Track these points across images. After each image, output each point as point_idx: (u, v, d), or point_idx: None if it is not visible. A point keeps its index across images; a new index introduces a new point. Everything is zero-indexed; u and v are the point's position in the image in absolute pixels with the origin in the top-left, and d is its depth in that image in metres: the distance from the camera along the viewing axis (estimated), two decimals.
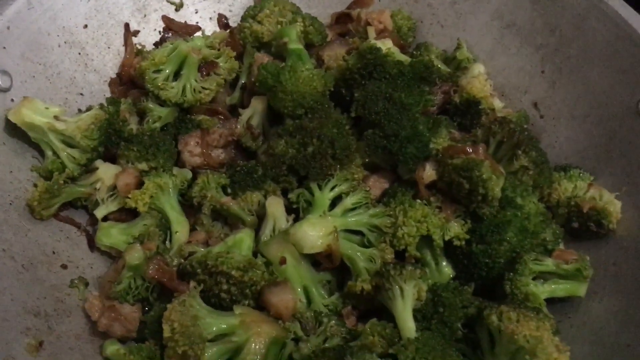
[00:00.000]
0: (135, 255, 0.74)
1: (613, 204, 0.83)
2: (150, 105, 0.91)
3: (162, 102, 0.91)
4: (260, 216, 0.85)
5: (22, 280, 0.74)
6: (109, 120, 0.85)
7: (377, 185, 0.87)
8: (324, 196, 0.82)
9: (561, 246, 0.84)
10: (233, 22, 1.06)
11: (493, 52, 1.02)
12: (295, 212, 0.84)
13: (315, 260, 0.80)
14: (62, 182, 0.81)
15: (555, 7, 0.94)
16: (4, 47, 0.82)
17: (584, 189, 0.86)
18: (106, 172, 0.84)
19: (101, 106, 0.87)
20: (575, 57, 0.93)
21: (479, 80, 0.93)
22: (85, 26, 0.93)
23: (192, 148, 0.88)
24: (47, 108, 0.81)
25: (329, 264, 0.79)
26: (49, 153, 0.83)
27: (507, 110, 0.97)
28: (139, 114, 0.92)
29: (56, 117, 0.81)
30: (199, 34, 1.05)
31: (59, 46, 0.90)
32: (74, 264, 0.82)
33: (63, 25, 0.90)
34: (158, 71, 0.89)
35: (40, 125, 0.80)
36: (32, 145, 0.84)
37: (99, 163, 0.85)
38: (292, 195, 0.84)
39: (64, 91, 0.90)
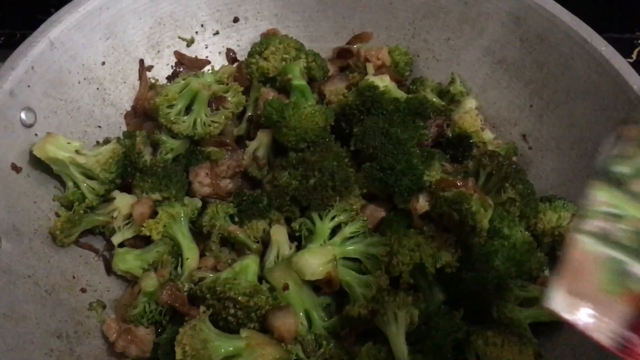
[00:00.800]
0: (150, 283, 0.80)
1: None
2: (163, 137, 0.97)
3: (174, 135, 0.97)
4: (265, 243, 0.91)
5: (45, 304, 0.80)
6: (126, 153, 0.91)
7: (374, 214, 0.93)
8: (325, 225, 0.88)
9: (546, 273, 0.89)
10: (240, 55, 1.13)
11: (485, 86, 1.08)
12: (298, 240, 0.91)
13: (316, 285, 0.87)
14: (82, 211, 0.87)
15: (543, 46, 0.99)
16: (29, 86, 0.88)
17: (567, 219, 0.91)
18: (122, 201, 0.90)
19: (118, 140, 0.94)
20: (562, 93, 0.98)
21: (470, 115, 0.99)
22: (103, 63, 0.99)
23: (202, 179, 0.94)
24: (68, 143, 0.87)
25: (329, 289, 0.85)
26: (70, 184, 0.89)
27: (497, 142, 1.04)
28: (152, 146, 0.99)
29: (77, 151, 0.87)
30: (208, 67, 1.11)
31: (79, 82, 0.96)
32: (92, 287, 0.88)
33: (83, 63, 0.96)
34: (171, 106, 0.95)
35: (63, 159, 0.86)
36: (54, 176, 0.90)
37: (116, 193, 0.91)
38: (294, 224, 0.90)
39: (83, 124, 0.97)
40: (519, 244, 0.86)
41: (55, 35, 0.92)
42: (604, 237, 0.55)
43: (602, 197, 0.58)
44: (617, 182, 0.58)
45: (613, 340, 0.51)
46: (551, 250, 0.92)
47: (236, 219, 0.91)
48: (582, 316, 0.52)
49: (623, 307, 0.52)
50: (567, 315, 0.52)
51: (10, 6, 1.51)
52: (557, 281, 0.53)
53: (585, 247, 0.54)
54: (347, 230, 0.88)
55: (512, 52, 1.03)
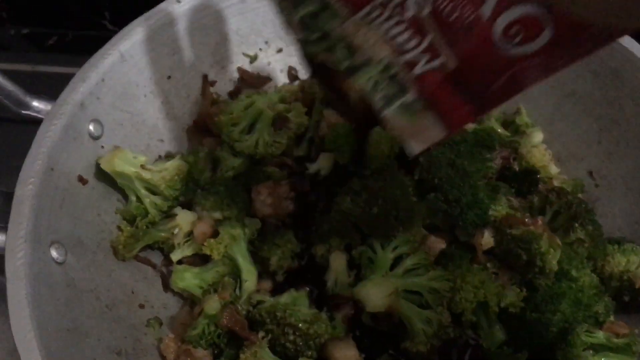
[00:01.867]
0: (213, 306, 0.80)
1: None
2: (225, 154, 0.97)
3: (235, 153, 0.97)
4: (324, 268, 0.90)
5: (106, 320, 0.80)
6: (190, 170, 0.91)
7: (435, 245, 0.91)
8: (386, 256, 0.86)
9: (612, 318, 0.87)
10: (302, 74, 1.12)
11: (552, 118, 1.05)
12: (357, 268, 0.89)
13: (374, 316, 0.85)
14: (144, 226, 0.87)
15: (616, 81, 0.97)
16: (98, 98, 0.89)
17: (636, 263, 0.89)
18: (184, 219, 0.90)
19: (182, 156, 0.94)
20: (633, 131, 0.96)
21: (539, 150, 0.97)
22: (169, 77, 0.99)
23: (264, 198, 0.93)
24: (135, 157, 0.88)
25: (387, 322, 0.84)
26: (133, 198, 0.89)
27: (562, 177, 1.01)
28: (212, 162, 0.98)
29: (142, 166, 0.88)
30: (270, 84, 1.10)
31: (145, 96, 0.96)
32: (150, 303, 0.88)
33: (150, 76, 0.96)
34: (235, 124, 0.95)
35: (129, 174, 0.86)
36: (117, 189, 0.90)
37: (177, 210, 0.91)
38: (355, 252, 0.89)
39: (147, 137, 0.97)
40: (587, 287, 0.83)
41: (126, 48, 0.92)
42: None
43: None
44: None
45: None
46: (618, 294, 0.89)
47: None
48: None
49: None
50: None
51: (63, 5, 1.53)
52: None
53: None
54: (409, 262, 0.86)
55: (583, 86, 1.01)
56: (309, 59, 0.73)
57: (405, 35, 0.62)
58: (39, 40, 1.53)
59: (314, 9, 0.67)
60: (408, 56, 0.63)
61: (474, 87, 0.62)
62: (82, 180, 0.85)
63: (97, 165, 0.87)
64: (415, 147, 0.69)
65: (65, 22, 1.56)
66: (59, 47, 1.53)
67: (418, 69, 0.63)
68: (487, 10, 0.56)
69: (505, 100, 0.62)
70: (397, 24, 0.62)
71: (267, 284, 0.89)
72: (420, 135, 0.68)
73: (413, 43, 0.62)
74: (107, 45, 0.91)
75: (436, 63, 0.62)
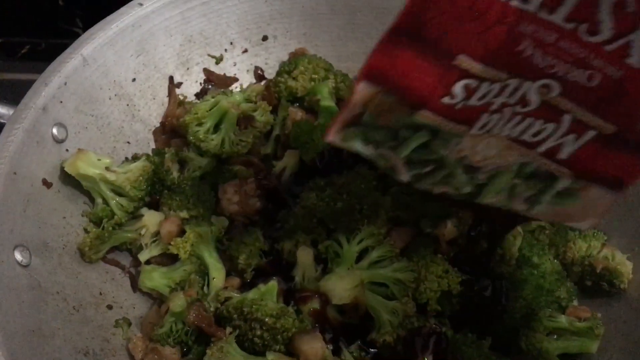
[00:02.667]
0: (178, 303, 0.80)
1: (625, 265, 0.88)
2: (191, 155, 0.98)
3: (202, 153, 0.97)
4: (291, 264, 0.91)
5: (73, 321, 0.80)
6: (155, 170, 0.92)
7: (400, 238, 0.92)
8: (352, 249, 0.87)
9: (575, 303, 0.88)
10: (268, 74, 1.13)
11: None
12: (324, 262, 0.90)
13: (340, 309, 0.86)
14: (111, 228, 0.88)
15: None
16: (61, 102, 0.89)
17: (597, 248, 0.90)
18: (151, 219, 0.90)
19: (147, 157, 0.94)
20: None
21: None
22: (134, 80, 1.00)
23: (230, 196, 0.94)
24: (99, 159, 0.88)
25: (354, 314, 0.85)
26: (99, 200, 0.89)
27: None
28: (179, 163, 0.99)
29: (107, 168, 0.88)
30: (236, 84, 1.11)
31: (110, 99, 0.97)
32: (118, 304, 0.88)
33: (114, 79, 0.97)
34: (200, 124, 0.96)
35: (93, 176, 0.86)
36: (83, 192, 0.90)
37: (144, 210, 0.91)
38: (321, 247, 0.90)
39: (113, 140, 0.97)
40: (548, 273, 0.85)
41: (89, 52, 0.93)
42: None
43: None
44: None
45: None
46: (580, 279, 0.90)
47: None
48: None
49: None
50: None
51: (35, 16, 1.53)
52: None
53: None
54: (374, 255, 0.87)
55: None
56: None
57: (537, 126, 0.55)
58: (11, 50, 1.53)
59: (422, 141, 0.58)
60: (546, 145, 0.57)
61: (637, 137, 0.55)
62: (46, 183, 0.85)
63: (62, 169, 0.87)
64: (590, 224, 0.62)
65: (37, 31, 1.56)
66: (31, 56, 1.52)
67: (565, 152, 0.57)
68: (635, 59, 0.50)
69: None
70: (522, 119, 0.56)
71: (235, 281, 0.90)
72: (589, 211, 0.60)
73: (549, 130, 0.56)
74: (68, 50, 0.92)
75: (587, 137, 0.55)
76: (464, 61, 0.52)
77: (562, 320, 0.84)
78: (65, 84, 0.90)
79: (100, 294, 0.87)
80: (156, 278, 0.88)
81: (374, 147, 0.59)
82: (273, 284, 0.87)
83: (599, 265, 0.88)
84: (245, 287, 0.90)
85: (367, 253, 0.88)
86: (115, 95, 0.98)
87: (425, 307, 0.84)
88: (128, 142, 1.00)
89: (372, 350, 0.83)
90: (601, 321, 0.84)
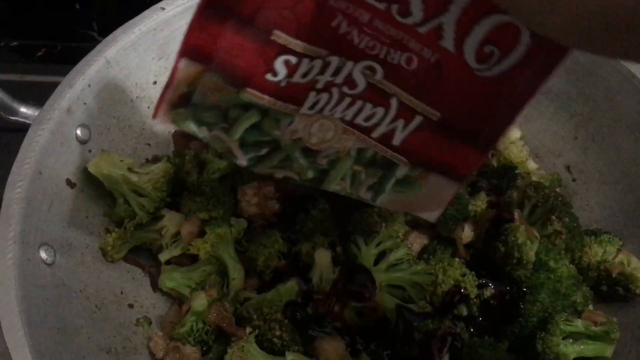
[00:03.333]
0: (200, 302, 0.81)
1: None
2: (210, 157, 0.99)
3: (220, 155, 0.99)
4: (309, 265, 0.92)
5: (96, 319, 0.82)
6: (176, 172, 0.93)
7: (418, 241, 0.94)
8: (370, 251, 0.88)
9: (590, 307, 0.89)
10: None
11: (528, 115, 1.08)
12: (341, 264, 0.91)
13: (359, 311, 0.87)
14: (132, 228, 0.89)
15: (590, 79, 1.00)
16: (85, 103, 0.91)
17: (613, 253, 0.91)
18: (171, 220, 0.91)
19: (168, 159, 0.96)
20: (608, 127, 0.99)
21: (516, 146, 0.99)
22: (155, 82, 1.02)
23: (250, 198, 0.95)
24: (122, 161, 0.89)
25: (372, 316, 0.86)
26: (121, 201, 0.91)
27: (540, 172, 1.04)
28: (199, 165, 1.00)
29: (129, 169, 0.89)
30: None
31: (132, 101, 0.98)
32: (139, 303, 0.89)
33: (136, 82, 0.99)
34: None
35: (116, 177, 0.88)
36: (105, 192, 0.92)
37: (165, 211, 0.92)
38: (339, 249, 0.91)
39: (134, 142, 0.99)
40: (565, 277, 0.86)
41: (112, 54, 0.94)
42: None
43: None
44: None
45: None
46: (596, 284, 0.91)
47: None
48: None
49: None
50: None
51: (51, 18, 1.55)
52: None
53: None
54: (392, 257, 0.88)
55: (559, 84, 1.03)
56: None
57: (367, 110, 0.55)
58: (28, 52, 1.55)
59: (252, 121, 0.57)
60: (379, 130, 0.56)
61: (468, 127, 0.55)
62: (70, 183, 0.87)
63: (85, 169, 0.89)
64: (433, 215, 0.63)
65: (54, 34, 1.58)
66: (47, 58, 1.54)
67: (397, 138, 0.56)
68: (448, 42, 0.50)
69: (506, 127, 0.55)
70: (352, 102, 0.55)
71: (254, 282, 0.91)
72: (433, 200, 0.61)
73: (379, 114, 0.55)
74: (92, 52, 0.93)
75: (416, 122, 0.55)
76: (280, 36, 0.51)
77: (578, 324, 0.84)
78: (89, 86, 0.91)
79: (122, 293, 0.88)
80: (176, 278, 0.89)
81: (207, 129, 0.59)
82: (292, 285, 0.88)
83: (615, 270, 0.89)
84: (263, 288, 0.91)
85: (385, 256, 0.89)
86: (137, 97, 0.99)
87: (441, 310, 0.85)
88: (148, 144, 1.01)
89: (388, 352, 0.84)
90: (617, 326, 0.85)
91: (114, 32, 0.96)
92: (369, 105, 0.55)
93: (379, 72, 0.53)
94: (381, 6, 0.49)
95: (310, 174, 0.60)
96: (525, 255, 0.84)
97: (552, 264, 0.86)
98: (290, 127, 0.56)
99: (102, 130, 0.94)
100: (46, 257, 0.78)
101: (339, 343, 0.81)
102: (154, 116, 0.58)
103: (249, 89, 0.54)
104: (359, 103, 0.55)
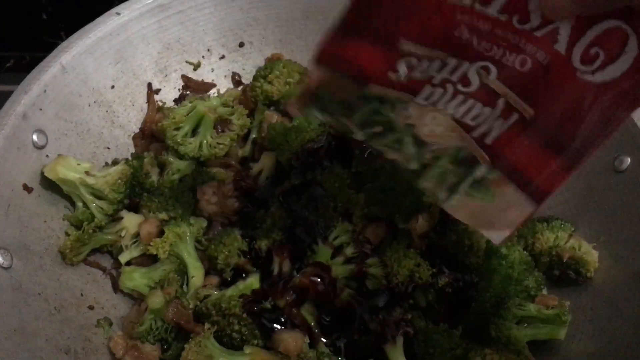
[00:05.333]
0: (156, 300, 0.82)
1: (591, 254, 0.90)
2: (170, 158, 1.00)
3: (180, 156, 1.00)
4: (269, 261, 0.93)
5: (54, 321, 0.82)
6: (134, 174, 0.94)
7: (375, 233, 0.95)
8: (327, 246, 0.90)
9: (544, 292, 0.91)
10: (246, 79, 1.16)
11: None
12: (301, 259, 0.93)
13: (318, 304, 0.88)
14: (91, 231, 0.90)
15: None
16: (41, 109, 0.91)
17: (564, 239, 0.93)
18: (130, 221, 0.92)
19: (126, 161, 0.97)
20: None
21: None
22: (112, 87, 1.03)
23: (209, 197, 0.96)
24: (79, 164, 0.90)
25: (330, 308, 0.87)
26: (80, 204, 0.92)
27: None
28: (159, 166, 1.02)
29: (87, 172, 0.90)
30: (214, 90, 1.14)
31: (89, 105, 0.99)
32: (100, 305, 0.90)
33: (93, 86, 0.99)
34: (178, 128, 0.99)
35: (73, 180, 0.89)
36: (64, 196, 0.92)
37: (123, 213, 0.93)
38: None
39: (93, 146, 1.00)
40: (517, 263, 0.88)
41: (67, 60, 0.95)
42: None
43: None
44: None
45: None
46: (548, 269, 0.93)
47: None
48: None
49: None
50: None
51: (19, 29, 1.56)
52: None
53: None
54: (349, 251, 0.90)
55: None
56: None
57: (477, 109, 0.57)
58: None
59: (372, 108, 0.61)
60: (480, 129, 0.58)
61: (558, 134, 0.56)
62: (27, 188, 0.87)
63: (42, 174, 0.89)
64: (499, 236, 0.62)
65: (22, 45, 1.58)
66: (17, 69, 1.54)
67: (491, 136, 0.58)
68: (561, 45, 0.53)
69: (596, 145, 0.56)
70: (464, 100, 0.58)
71: (215, 280, 0.92)
72: (503, 217, 0.60)
73: (485, 114, 0.57)
74: (47, 58, 0.94)
75: (510, 121, 0.57)
76: (407, 44, 0.56)
77: (531, 308, 0.86)
78: (45, 91, 0.92)
79: (82, 295, 0.89)
80: (136, 278, 0.90)
81: (330, 115, 0.63)
82: (251, 281, 0.89)
83: (566, 255, 0.91)
84: (225, 286, 0.92)
85: (342, 250, 0.91)
86: (95, 102, 1.00)
87: (397, 299, 0.86)
88: (108, 148, 1.02)
89: (345, 341, 0.85)
90: (569, 309, 0.87)
91: (69, 38, 0.97)
92: (478, 105, 0.57)
93: (493, 72, 0.55)
94: (503, 18, 0.53)
95: (413, 165, 0.63)
96: (476, 243, 0.86)
97: (504, 250, 0.88)
98: (404, 112, 0.60)
99: (59, 136, 0.94)
100: (2, 260, 0.79)
101: (297, 334, 0.82)
102: (287, 107, 0.69)
103: (371, 85, 0.59)
104: (470, 102, 0.58)
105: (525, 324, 0.87)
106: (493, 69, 0.56)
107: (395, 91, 0.59)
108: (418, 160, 0.63)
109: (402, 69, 0.57)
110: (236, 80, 1.16)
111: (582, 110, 0.54)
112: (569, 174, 0.58)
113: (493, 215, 0.61)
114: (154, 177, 0.99)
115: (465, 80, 0.57)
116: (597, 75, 0.53)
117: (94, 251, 0.94)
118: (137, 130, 1.07)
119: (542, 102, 0.56)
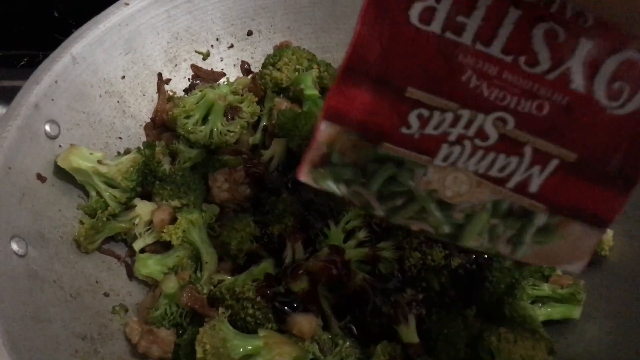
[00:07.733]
0: (170, 285, 0.83)
1: (605, 233, 0.90)
2: (181, 147, 1.01)
3: (191, 144, 1.00)
4: (281, 247, 0.94)
5: (70, 308, 0.83)
6: (146, 162, 0.95)
7: None
8: (339, 230, 0.90)
9: (558, 272, 0.91)
10: (255, 67, 1.16)
11: None
12: (312, 244, 0.93)
13: (331, 287, 0.89)
14: (104, 219, 0.91)
15: None
16: (52, 100, 0.92)
17: None
18: (143, 209, 0.93)
19: (138, 150, 0.97)
20: None
21: None
22: (123, 77, 1.03)
23: (220, 184, 0.97)
24: (91, 154, 0.91)
25: (344, 291, 0.87)
26: (93, 193, 0.92)
27: None
28: (171, 155, 1.02)
29: (99, 162, 0.91)
30: (224, 79, 1.14)
31: (100, 96, 1.00)
32: (115, 292, 0.91)
33: (104, 77, 1.00)
34: (188, 117, 0.99)
35: (86, 169, 0.89)
36: (77, 185, 0.93)
37: (137, 201, 0.94)
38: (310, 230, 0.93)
39: (105, 136, 1.01)
40: None
41: (78, 50, 0.96)
42: None
43: None
44: None
45: None
46: None
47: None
48: None
49: None
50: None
51: (33, 28, 1.57)
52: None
53: None
54: (361, 235, 0.90)
55: None
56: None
57: (501, 161, 0.56)
58: (10, 62, 1.56)
59: (389, 174, 0.59)
60: (515, 180, 0.57)
61: (606, 167, 0.55)
62: (40, 178, 0.88)
63: (56, 164, 0.90)
64: (578, 267, 0.61)
65: (35, 43, 1.59)
66: (29, 66, 1.56)
67: (534, 185, 0.57)
68: (577, 85, 0.51)
69: None
70: (485, 154, 0.56)
71: (228, 265, 0.92)
72: (576, 250, 0.59)
73: (513, 164, 0.56)
74: (58, 49, 0.95)
75: (552, 166, 0.55)
76: (414, 92, 0.54)
77: (545, 288, 0.86)
78: (56, 82, 0.93)
79: (97, 282, 0.90)
80: (150, 265, 0.91)
81: (346, 186, 0.60)
82: (264, 266, 0.90)
83: None
84: (238, 271, 0.93)
85: (354, 234, 0.91)
86: (106, 92, 1.01)
87: (409, 282, 0.86)
88: (120, 138, 1.03)
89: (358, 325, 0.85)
90: (584, 288, 0.87)
91: (79, 29, 0.98)
92: (502, 156, 0.56)
93: (510, 122, 0.54)
94: (508, 59, 0.51)
95: (446, 229, 0.60)
96: None
97: None
98: (424, 178, 0.57)
99: (72, 126, 0.95)
100: (18, 248, 0.80)
101: (311, 317, 0.82)
102: (298, 176, 0.60)
103: (385, 143, 0.56)
104: (491, 155, 0.56)
105: (540, 304, 0.87)
106: (510, 118, 0.54)
107: (411, 152, 0.56)
108: (449, 223, 0.60)
109: (415, 122, 0.55)
110: (245, 68, 1.17)
111: (623, 140, 0.53)
112: (627, 195, 0.57)
113: (566, 252, 0.60)
114: (166, 166, 0.99)
115: (482, 134, 0.55)
116: (627, 106, 0.52)
117: (108, 239, 0.95)
118: (148, 120, 1.07)
119: (578, 141, 0.54)
